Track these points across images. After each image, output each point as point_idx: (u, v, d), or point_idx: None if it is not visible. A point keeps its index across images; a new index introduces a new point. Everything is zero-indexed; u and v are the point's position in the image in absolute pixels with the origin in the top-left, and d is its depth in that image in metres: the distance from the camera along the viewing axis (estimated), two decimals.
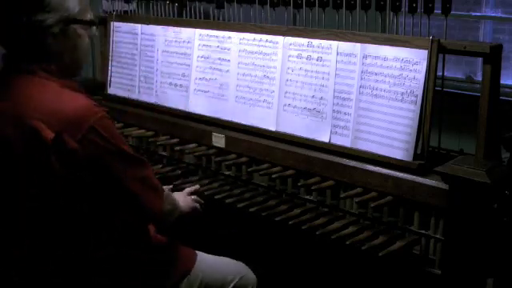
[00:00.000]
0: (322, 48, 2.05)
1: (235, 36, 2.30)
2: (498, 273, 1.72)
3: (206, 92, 2.39)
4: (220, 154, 2.29)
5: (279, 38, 2.17)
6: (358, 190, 1.92)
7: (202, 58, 2.41)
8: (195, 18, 2.55)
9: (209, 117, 2.37)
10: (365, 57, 1.95)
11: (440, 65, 1.86)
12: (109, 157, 1.55)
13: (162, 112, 2.54)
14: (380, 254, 1.75)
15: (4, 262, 1.76)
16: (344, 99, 2.00)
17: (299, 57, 2.11)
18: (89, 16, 1.67)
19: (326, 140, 2.03)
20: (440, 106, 1.90)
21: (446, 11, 1.87)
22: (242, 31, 2.28)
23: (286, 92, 2.15)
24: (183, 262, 1.87)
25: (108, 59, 2.79)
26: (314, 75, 2.07)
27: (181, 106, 2.48)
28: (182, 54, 2.48)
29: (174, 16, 2.65)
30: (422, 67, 1.82)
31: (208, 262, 1.92)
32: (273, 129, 2.18)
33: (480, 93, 1.79)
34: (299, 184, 2.04)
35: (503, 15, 4.02)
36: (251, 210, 2.06)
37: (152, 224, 1.83)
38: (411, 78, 1.84)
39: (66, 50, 1.62)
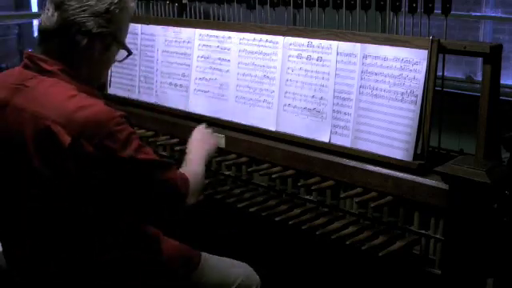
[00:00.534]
0: (322, 48, 2.05)
1: (235, 36, 2.30)
2: (498, 273, 1.72)
3: (205, 92, 2.39)
4: (220, 154, 2.29)
5: (279, 38, 2.17)
6: (358, 189, 1.92)
7: (202, 58, 2.41)
8: (195, 18, 2.55)
9: (209, 117, 2.36)
10: (365, 57, 1.95)
11: (440, 65, 1.86)
12: (123, 162, 1.51)
13: (162, 112, 2.54)
14: (380, 254, 1.75)
15: (7, 262, 1.77)
16: (344, 99, 2.00)
17: (299, 57, 2.11)
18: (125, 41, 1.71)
19: (326, 140, 2.03)
20: (440, 106, 1.90)
21: (445, 11, 1.87)
22: (242, 31, 2.28)
23: (286, 92, 2.15)
24: (188, 262, 1.87)
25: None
26: (314, 75, 2.07)
27: (181, 106, 2.48)
28: (181, 53, 2.49)
29: (174, 16, 2.65)
30: (422, 67, 1.82)
31: (212, 263, 1.93)
32: (273, 129, 2.18)
33: (480, 93, 1.79)
34: (299, 184, 2.04)
35: (503, 15, 4.02)
36: (251, 209, 2.06)
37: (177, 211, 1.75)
38: (411, 78, 1.84)
39: (98, 62, 1.64)
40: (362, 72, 1.96)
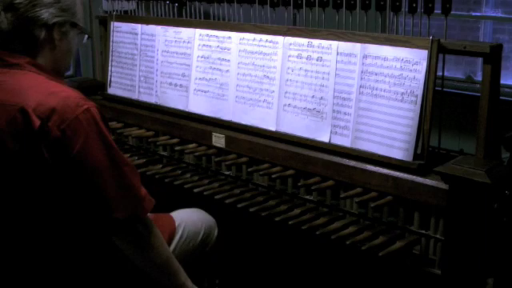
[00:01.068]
0: (322, 48, 2.05)
1: (235, 36, 2.30)
2: (498, 273, 1.72)
3: (205, 92, 2.39)
4: (220, 154, 2.30)
5: (279, 38, 2.17)
6: (358, 189, 1.92)
7: (202, 58, 2.41)
8: (195, 18, 2.55)
9: (209, 117, 2.37)
10: (365, 57, 1.95)
11: (440, 65, 1.86)
12: (89, 149, 1.48)
13: (162, 112, 2.54)
14: (380, 254, 1.76)
15: None
16: (344, 99, 2.00)
17: (299, 57, 2.11)
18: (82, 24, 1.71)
19: (326, 140, 2.03)
20: (440, 106, 1.90)
21: (446, 11, 1.87)
22: (242, 31, 2.28)
23: (285, 92, 2.15)
24: (166, 227, 1.90)
25: (108, 59, 2.79)
26: (314, 75, 2.07)
27: (181, 106, 2.48)
28: (181, 54, 2.49)
29: (174, 16, 2.65)
30: (422, 67, 1.82)
31: (183, 217, 1.99)
32: (273, 129, 2.18)
33: (480, 93, 1.79)
34: (299, 184, 2.04)
35: (503, 15, 4.02)
36: (251, 210, 2.06)
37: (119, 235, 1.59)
38: (411, 78, 1.84)
39: (60, 51, 1.64)
40: (361, 72, 1.96)
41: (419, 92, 1.82)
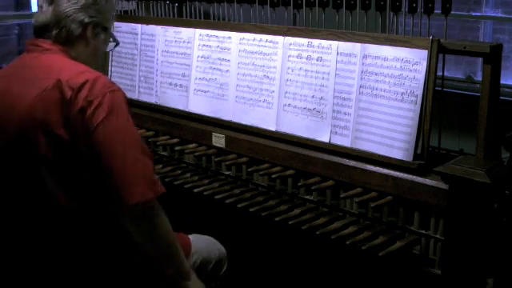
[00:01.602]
0: (322, 48, 2.05)
1: (235, 36, 2.30)
2: (498, 273, 1.72)
3: (205, 92, 2.39)
4: (220, 154, 2.30)
5: (279, 38, 2.17)
6: (358, 189, 1.92)
7: (202, 58, 2.41)
8: (195, 18, 2.55)
9: (209, 117, 2.37)
10: (365, 57, 1.95)
11: (440, 65, 1.86)
12: (111, 124, 1.54)
13: (162, 112, 2.54)
14: (380, 254, 1.76)
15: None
16: (344, 99, 2.00)
17: (299, 57, 2.11)
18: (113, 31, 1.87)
19: (326, 140, 2.03)
20: (440, 106, 1.90)
21: (446, 11, 1.87)
22: (242, 31, 2.28)
23: (285, 92, 2.15)
24: (182, 247, 1.88)
25: (108, 59, 2.79)
26: (314, 75, 2.07)
27: (181, 106, 2.48)
28: (181, 54, 2.49)
29: (173, 16, 2.65)
30: (422, 67, 1.82)
31: (199, 244, 1.98)
32: (273, 129, 2.18)
33: (480, 93, 1.79)
34: (299, 184, 2.04)
35: (503, 15, 4.02)
36: (251, 210, 2.06)
37: (128, 220, 1.59)
38: (411, 78, 1.84)
39: (89, 50, 1.75)
40: (361, 72, 1.96)
41: (419, 92, 1.82)
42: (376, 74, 1.92)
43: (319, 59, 2.06)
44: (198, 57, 2.42)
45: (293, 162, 2.08)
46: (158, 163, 2.48)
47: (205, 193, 2.18)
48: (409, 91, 1.85)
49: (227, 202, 2.12)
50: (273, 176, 2.11)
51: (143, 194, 1.52)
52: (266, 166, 2.15)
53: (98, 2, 1.73)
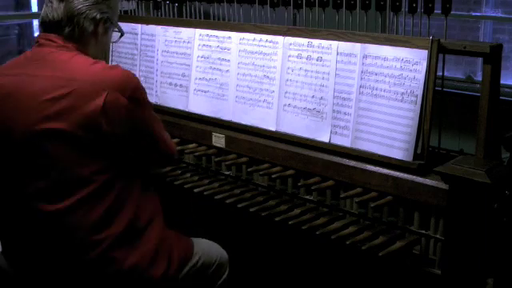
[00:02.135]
0: (322, 48, 2.05)
1: (235, 36, 2.30)
2: (498, 273, 1.72)
3: (205, 92, 2.39)
4: (220, 154, 2.30)
5: (279, 38, 2.17)
6: (358, 189, 1.92)
7: (202, 58, 2.41)
8: (195, 18, 2.55)
9: (209, 117, 2.37)
10: (365, 57, 1.95)
11: (440, 65, 1.86)
12: (142, 107, 1.71)
13: (162, 112, 2.54)
14: (380, 254, 1.75)
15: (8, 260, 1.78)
16: (344, 99, 2.00)
17: (299, 57, 2.11)
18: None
19: (326, 140, 2.03)
20: (440, 106, 1.90)
21: (446, 11, 1.87)
22: (242, 31, 2.28)
23: (286, 92, 2.15)
24: (183, 249, 1.89)
25: (108, 59, 2.79)
26: (314, 75, 2.07)
27: (181, 106, 2.48)
28: (181, 53, 2.49)
29: (173, 16, 2.65)
30: (422, 67, 1.82)
31: (201, 246, 1.99)
32: (273, 129, 2.18)
33: (480, 93, 1.79)
34: (299, 184, 2.04)
35: (503, 15, 4.03)
36: (251, 210, 2.06)
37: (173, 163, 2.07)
38: (411, 78, 1.84)
39: (100, 44, 1.81)
40: (361, 72, 1.96)
41: (419, 92, 1.82)
42: (376, 74, 1.92)
43: (319, 59, 2.06)
44: (198, 57, 2.42)
45: (293, 161, 2.08)
46: None
47: (205, 193, 2.18)
48: (409, 91, 1.85)
49: (227, 202, 2.12)
50: (273, 176, 2.11)
51: (175, 148, 1.98)
52: (265, 165, 2.15)
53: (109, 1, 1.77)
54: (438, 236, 1.78)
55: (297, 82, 2.12)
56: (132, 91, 1.66)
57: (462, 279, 1.70)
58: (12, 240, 1.75)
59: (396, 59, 1.88)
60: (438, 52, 1.81)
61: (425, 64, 1.82)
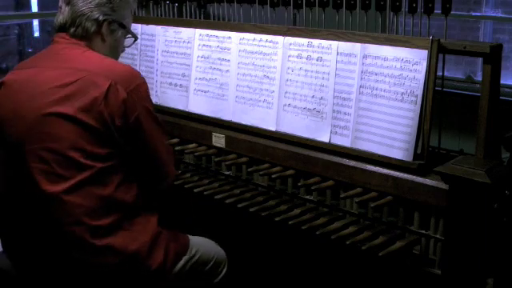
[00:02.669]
0: (322, 48, 2.05)
1: (235, 36, 2.30)
2: (498, 273, 1.72)
3: (205, 92, 2.39)
4: (220, 154, 2.30)
5: (279, 38, 2.17)
6: (358, 189, 1.92)
7: (202, 58, 2.41)
8: (195, 18, 2.55)
9: (209, 117, 2.37)
10: (365, 57, 1.95)
11: (440, 65, 1.86)
12: (145, 114, 1.76)
13: (162, 112, 2.54)
14: (380, 254, 1.76)
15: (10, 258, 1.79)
16: (344, 99, 2.00)
17: (299, 57, 2.11)
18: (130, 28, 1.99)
19: (326, 140, 2.03)
20: (440, 106, 1.90)
21: (446, 11, 1.87)
22: (242, 31, 2.28)
23: (285, 92, 2.15)
24: (180, 243, 1.91)
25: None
26: (314, 75, 2.07)
27: (181, 106, 2.48)
28: (181, 54, 2.49)
29: (173, 16, 2.65)
30: (422, 67, 1.82)
31: (198, 242, 2.00)
32: (273, 129, 2.18)
33: (480, 93, 1.79)
34: (299, 184, 2.04)
35: (503, 15, 4.03)
36: (251, 210, 2.06)
37: (165, 186, 1.96)
38: (411, 78, 1.84)
39: (107, 46, 1.87)
40: (361, 72, 1.96)
41: (419, 92, 1.82)
42: (376, 74, 1.92)
43: (319, 59, 2.06)
44: (198, 57, 2.42)
45: (293, 162, 2.08)
46: None
47: (205, 193, 2.18)
48: (409, 91, 1.85)
49: (227, 202, 2.12)
50: (273, 176, 2.11)
51: (174, 166, 1.97)
52: (266, 166, 2.15)
53: (113, 0, 1.84)
54: (437, 236, 1.78)
55: (297, 81, 2.12)
56: (134, 88, 1.72)
57: (462, 279, 1.70)
58: (13, 229, 1.77)
59: (396, 59, 1.88)
60: (438, 52, 1.81)
61: (425, 64, 1.82)
